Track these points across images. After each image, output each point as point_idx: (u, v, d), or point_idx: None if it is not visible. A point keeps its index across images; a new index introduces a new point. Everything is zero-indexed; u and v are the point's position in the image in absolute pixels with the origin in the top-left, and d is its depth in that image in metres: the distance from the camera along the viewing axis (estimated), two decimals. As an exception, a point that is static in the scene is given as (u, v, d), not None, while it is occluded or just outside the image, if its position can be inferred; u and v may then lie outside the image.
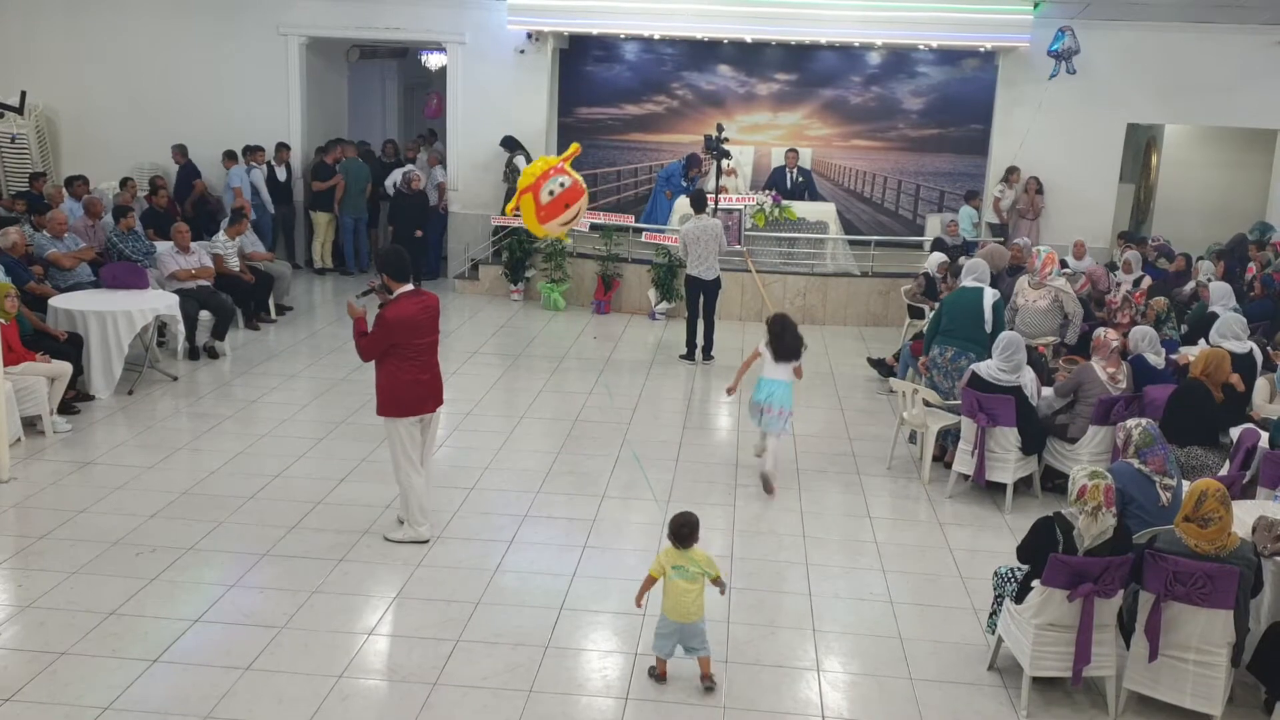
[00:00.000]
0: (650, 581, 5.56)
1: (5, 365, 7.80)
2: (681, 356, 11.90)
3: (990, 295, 8.75)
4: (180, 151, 14.81)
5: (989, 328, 8.64)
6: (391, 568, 6.66)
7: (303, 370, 10.84)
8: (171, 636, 5.71)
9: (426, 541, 6.98)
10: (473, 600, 6.27)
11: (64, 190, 12.85)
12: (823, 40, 14.93)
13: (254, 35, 15.12)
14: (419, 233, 14.56)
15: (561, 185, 7.37)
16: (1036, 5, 13.78)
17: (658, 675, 5.53)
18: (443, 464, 8.39)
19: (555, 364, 11.52)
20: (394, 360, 6.66)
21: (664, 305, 13.84)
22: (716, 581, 5.47)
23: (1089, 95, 14.17)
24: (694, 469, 8.54)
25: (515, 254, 14.30)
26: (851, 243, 14.56)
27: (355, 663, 5.56)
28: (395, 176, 15.06)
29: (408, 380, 6.71)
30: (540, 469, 8.41)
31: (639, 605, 5.64)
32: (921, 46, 15.06)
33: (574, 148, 7.61)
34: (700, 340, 11.82)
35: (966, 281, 9.02)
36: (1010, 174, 14.49)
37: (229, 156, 14.70)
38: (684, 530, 5.44)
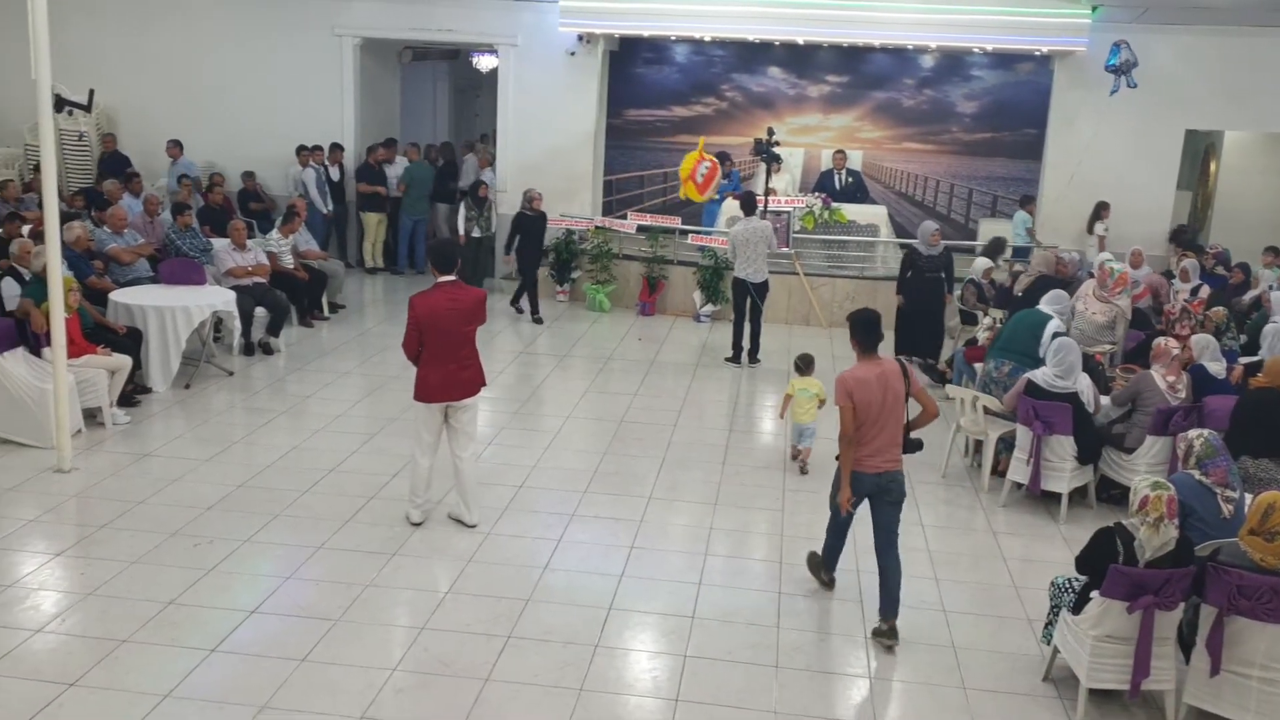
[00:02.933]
0: (788, 398, 8.74)
1: (67, 358, 7.93)
2: (727, 359, 11.88)
3: (1054, 326, 8.58)
4: (176, 146, 15.00)
5: (1042, 352, 8.51)
6: (443, 563, 6.70)
7: (355, 367, 10.94)
8: (229, 627, 5.78)
9: (418, 525, 7.17)
10: (523, 597, 6.30)
11: (123, 187, 13.06)
12: (876, 43, 14.84)
13: (309, 37, 15.27)
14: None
15: (706, 168, 12.69)
16: (1095, 9, 13.61)
17: (801, 461, 8.61)
18: (490, 461, 8.45)
19: (600, 365, 11.54)
20: (426, 348, 6.89)
21: (709, 308, 13.82)
22: (822, 401, 8.52)
23: (1146, 100, 13.97)
24: (741, 473, 8.52)
25: (561, 255, 14.34)
26: (902, 246, 14.45)
27: (408, 657, 5.61)
28: (470, 179, 15.35)
29: (433, 368, 6.92)
30: (586, 469, 8.43)
31: (781, 418, 9.12)
32: (976, 50, 14.92)
33: (701, 141, 12.63)
34: (746, 343, 11.79)
35: (1043, 305, 8.89)
36: (1103, 210, 14.13)
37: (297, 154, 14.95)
38: (805, 364, 8.79)
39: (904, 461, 6.16)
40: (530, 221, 13.23)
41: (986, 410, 8.39)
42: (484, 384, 7.24)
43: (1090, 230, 14.19)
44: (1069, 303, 9.23)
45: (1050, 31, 13.93)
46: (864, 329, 6.12)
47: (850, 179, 15.01)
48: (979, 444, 8.69)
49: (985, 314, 10.95)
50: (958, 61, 15.56)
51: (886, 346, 10.11)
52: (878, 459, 6.02)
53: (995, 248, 12.68)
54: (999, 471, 8.38)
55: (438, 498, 7.46)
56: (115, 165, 14.59)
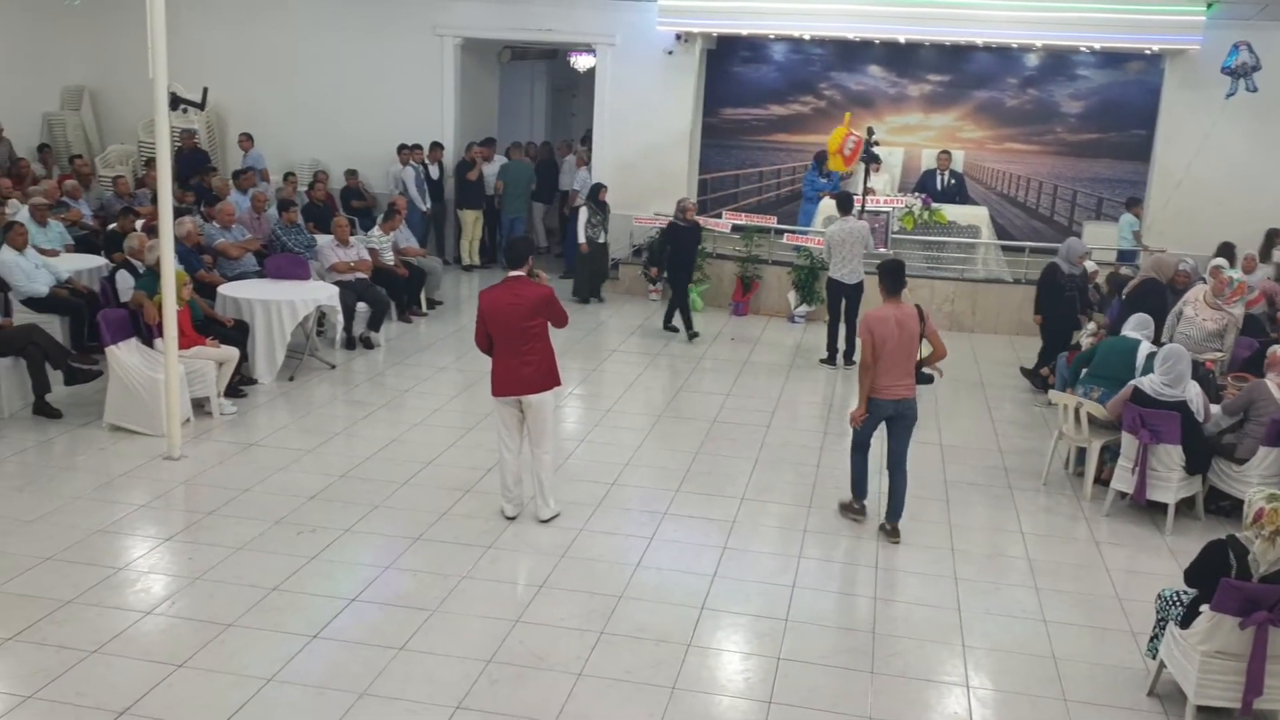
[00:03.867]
0: None
1: (178, 349, 8.17)
2: (822, 361, 11.77)
3: (1146, 349, 8.32)
4: (247, 138, 15.35)
5: (1139, 375, 8.25)
6: (537, 557, 6.77)
7: (451, 362, 11.10)
8: (330, 614, 5.91)
9: (511, 519, 7.25)
10: (615, 594, 6.33)
11: (230, 183, 13.44)
12: (980, 41, 14.59)
13: (411, 37, 15.54)
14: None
15: (853, 141, 12.82)
16: (1210, 5, 13.18)
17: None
18: (583, 458, 8.50)
19: (693, 364, 11.53)
20: (494, 342, 7.04)
21: (804, 308, 13.72)
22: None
23: (1262, 99, 13.47)
24: (835, 475, 8.42)
25: (655, 254, 14.34)
26: (1004, 248, 14.19)
27: (503, 649, 5.67)
28: (577, 181, 15.61)
29: (498, 362, 7.04)
30: (678, 468, 8.43)
31: None
32: (1084, 48, 14.57)
33: (848, 116, 12.79)
34: (842, 345, 11.68)
35: (1128, 330, 8.60)
36: (1276, 237, 13.17)
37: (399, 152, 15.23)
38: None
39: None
40: (683, 232, 12.56)
41: (1090, 417, 8.19)
42: (553, 383, 7.13)
43: (1266, 258, 13.30)
44: (1151, 324, 8.81)
45: (1162, 29, 13.55)
46: (889, 275, 7.33)
47: (952, 180, 14.77)
48: (1081, 451, 8.48)
49: (1089, 319, 10.67)
50: (1064, 60, 15.20)
51: (1027, 359, 10.92)
52: (894, 388, 7.14)
53: (1225, 251, 12.06)
54: (1102, 480, 8.17)
55: (531, 493, 7.52)
56: (196, 162, 15.04)
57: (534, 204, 16.43)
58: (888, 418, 7.25)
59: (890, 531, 7.29)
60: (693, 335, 12.53)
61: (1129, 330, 8.58)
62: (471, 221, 15.71)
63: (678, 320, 12.68)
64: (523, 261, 7.07)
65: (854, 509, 7.60)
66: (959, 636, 6.05)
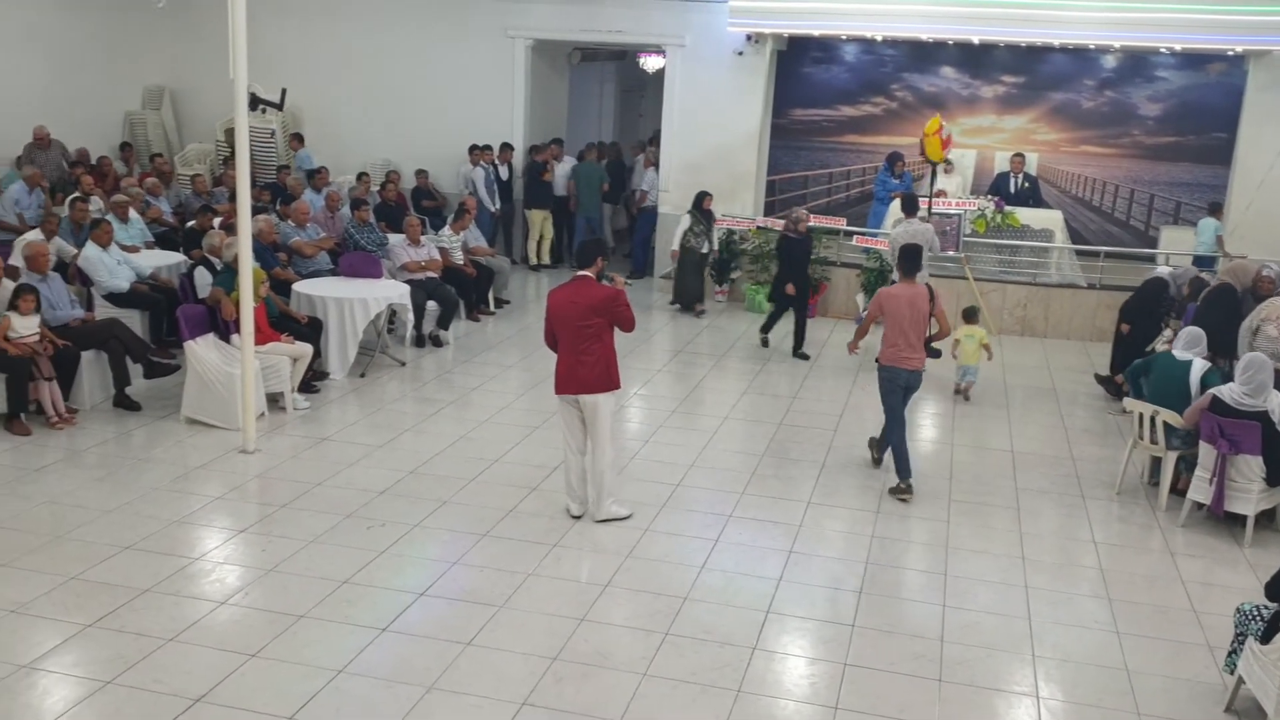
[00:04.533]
0: (956, 342, 10.41)
1: (254, 345, 8.34)
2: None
3: (1199, 368, 8.07)
4: (297, 139, 15.65)
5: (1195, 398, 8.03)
6: (602, 557, 6.79)
7: (517, 361, 11.18)
8: (399, 607, 5.99)
9: (577, 518, 7.27)
10: (680, 595, 6.33)
11: (304, 182, 13.67)
12: (1056, 43, 14.36)
13: (483, 38, 15.67)
14: (790, 289, 11.86)
15: (949, 133, 12.85)
16: (1297, 4, 12.86)
17: (964, 393, 10.50)
18: (647, 459, 8.52)
19: (759, 366, 11.49)
20: (558, 341, 7.13)
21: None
22: (985, 346, 10.34)
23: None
24: (905, 480, 8.37)
25: (722, 255, 14.33)
26: (1078, 253, 13.96)
27: (568, 647, 5.70)
28: (645, 182, 15.70)
29: (560, 360, 7.12)
30: (744, 470, 8.41)
31: (954, 357, 10.47)
32: (1163, 49, 14.28)
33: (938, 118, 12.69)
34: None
35: (1177, 350, 8.34)
36: None
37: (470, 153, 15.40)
38: (971, 314, 10.73)
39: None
40: (795, 245, 11.98)
41: (1167, 426, 8.01)
42: (609, 386, 7.10)
43: None
44: (1204, 341, 8.50)
45: (1246, 29, 13.22)
46: (907, 259, 8.21)
47: (1026, 183, 14.56)
48: (1157, 461, 8.31)
49: (1167, 325, 10.45)
50: (1142, 61, 14.92)
51: (1100, 366, 11.07)
52: (909, 360, 8.00)
53: None
54: (1178, 490, 7.99)
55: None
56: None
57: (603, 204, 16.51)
58: (904, 388, 8.09)
59: (904, 489, 7.97)
60: (801, 355, 11.81)
61: (1179, 350, 8.26)
62: (540, 221, 15.81)
63: (776, 337, 12.16)
64: (591, 262, 7.11)
65: (901, 490, 8.01)
66: (1029, 646, 5.96)
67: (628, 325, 7.14)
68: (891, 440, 8.18)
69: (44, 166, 13.51)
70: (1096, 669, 5.78)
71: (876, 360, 8.57)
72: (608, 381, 7.09)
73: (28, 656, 5.35)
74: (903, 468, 8.03)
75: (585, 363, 7.01)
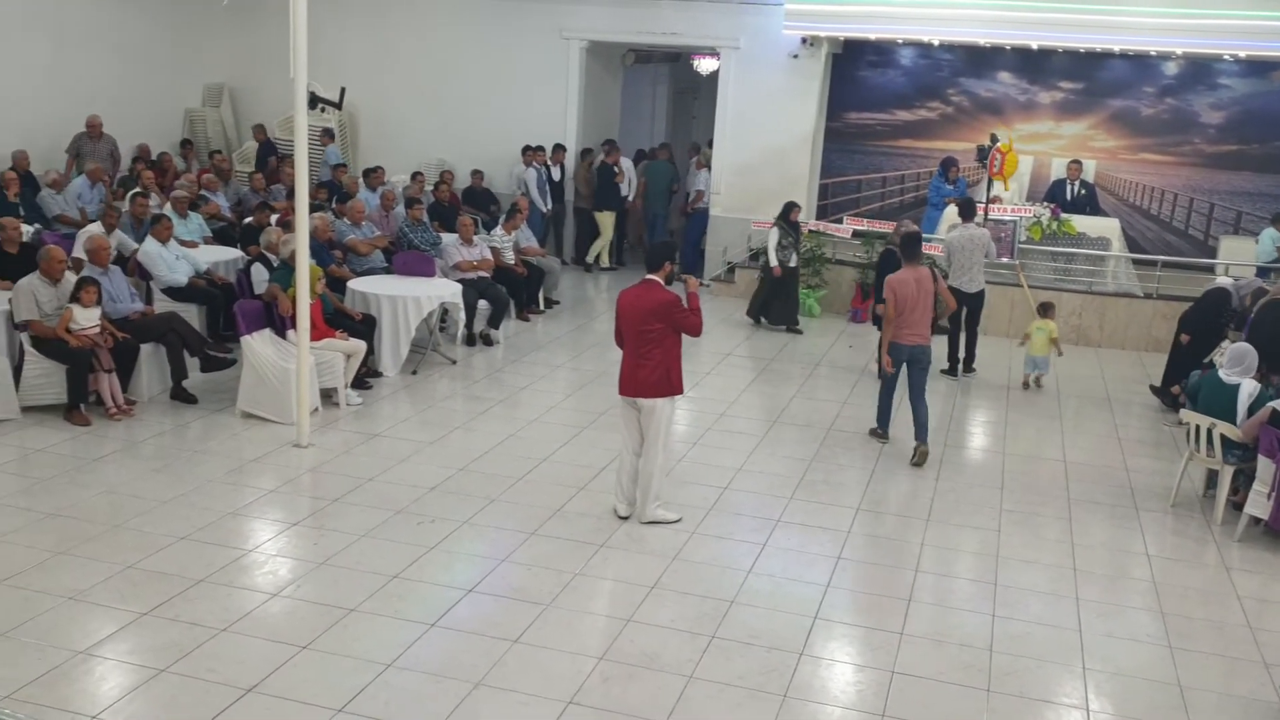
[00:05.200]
0: (1026, 335, 11.12)
1: (310, 340, 8.44)
2: (942, 371, 11.54)
3: (1248, 390, 7.88)
4: (328, 134, 15.73)
5: (1240, 420, 7.84)
6: (648, 558, 6.80)
7: (566, 361, 11.23)
8: (448, 603, 6.04)
9: (624, 519, 7.30)
10: (727, 598, 6.33)
11: (360, 181, 13.82)
12: (1116, 49, 14.16)
13: (538, 39, 15.74)
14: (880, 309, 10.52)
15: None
16: (1365, 11, 12.59)
17: (1035, 384, 11.10)
18: (695, 461, 8.52)
19: (809, 371, 11.44)
20: (624, 342, 7.19)
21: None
22: (1055, 341, 11.00)
23: None
24: (955, 489, 8.30)
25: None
26: (1135, 262, 13.76)
27: (614, 648, 5.72)
28: (699, 183, 15.77)
29: (623, 362, 7.19)
30: (792, 475, 8.38)
31: (1021, 346, 11.28)
32: (1227, 56, 14.04)
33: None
34: (961, 354, 11.46)
35: (1224, 372, 8.13)
36: None
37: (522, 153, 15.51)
38: (1045, 309, 11.19)
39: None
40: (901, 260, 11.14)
41: (1224, 438, 7.87)
42: (668, 391, 7.09)
43: None
44: (1254, 359, 8.28)
45: (1313, 36, 12.96)
46: (909, 244, 9.06)
47: (1083, 190, 14.39)
48: (1213, 473, 8.17)
49: (1228, 336, 10.27)
50: (1204, 69, 14.67)
51: (1156, 376, 11.11)
52: (912, 335, 8.80)
53: None
54: (1235, 504, 7.86)
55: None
56: (266, 153, 15.62)
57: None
58: (908, 360, 8.86)
59: (920, 451, 8.73)
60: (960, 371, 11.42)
61: (1225, 372, 8.06)
62: (609, 223, 15.89)
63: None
64: (659, 266, 7.11)
65: (878, 434, 9.27)
66: (1079, 658, 5.90)
67: (692, 330, 7.12)
68: (880, 396, 9.27)
69: (93, 156, 13.73)
70: (1148, 683, 5.70)
71: (942, 371, 8.89)
72: (667, 386, 7.09)
73: (85, 643, 5.46)
74: (881, 419, 9.25)
75: (645, 366, 7.02)
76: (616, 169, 15.56)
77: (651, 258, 7.25)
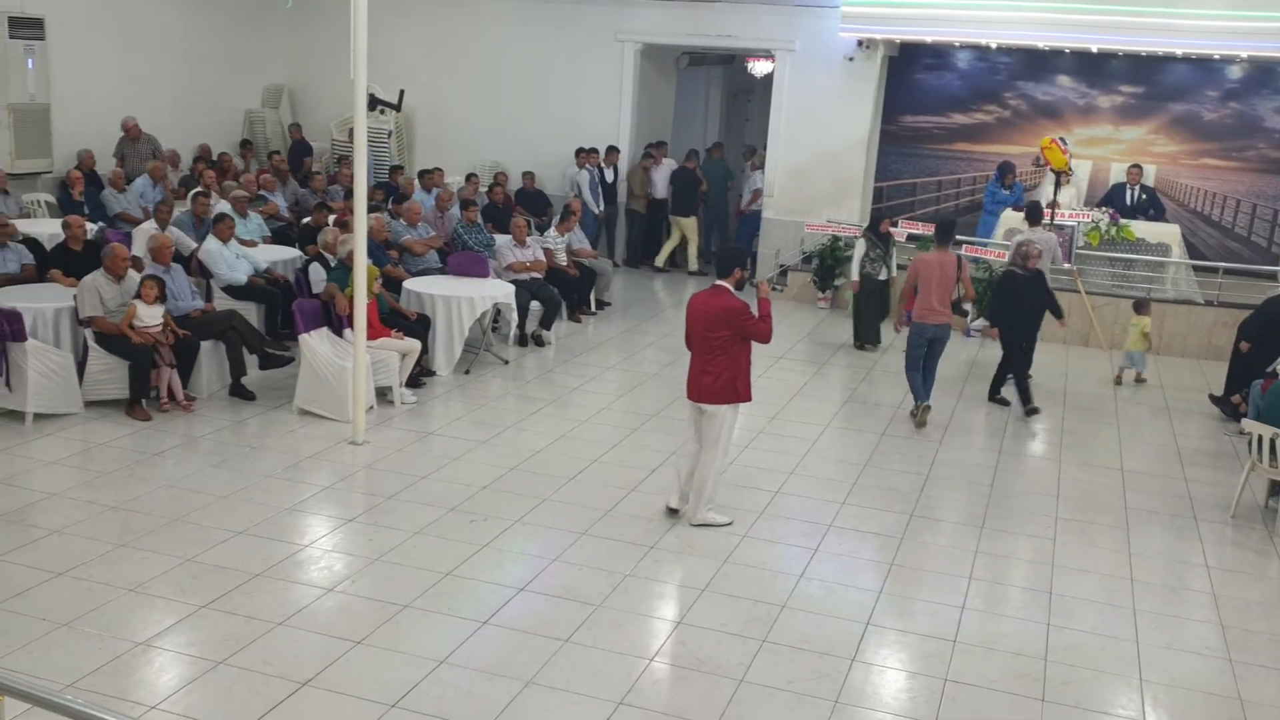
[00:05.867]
0: (1124, 330, 11.78)
1: (366, 339, 8.53)
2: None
3: None
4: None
5: None
6: (699, 561, 6.80)
7: (618, 363, 11.25)
8: (499, 601, 6.08)
9: (673, 511, 7.38)
10: (778, 603, 6.31)
11: (416, 182, 13.94)
12: (1178, 52, 13.93)
13: (593, 42, 15.79)
14: (994, 332, 10.54)
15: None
16: None
17: (1133, 379, 11.57)
18: (747, 465, 8.50)
19: (861, 375, 11.38)
20: (692, 346, 7.22)
21: (980, 322, 13.33)
22: (1146, 335, 11.41)
23: None
24: (1010, 496, 8.21)
25: (825, 261, 14.22)
26: (1196, 268, 13.53)
27: (665, 649, 5.73)
28: (754, 183, 15.85)
29: (690, 366, 7.21)
30: (845, 480, 8.34)
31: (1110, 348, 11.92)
32: (1293, 60, 13.77)
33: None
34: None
35: None
36: None
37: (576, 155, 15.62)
38: (1140, 306, 11.63)
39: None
40: (1024, 284, 10.18)
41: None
42: (731, 398, 7.08)
43: None
44: None
45: (1382, 40, 12.66)
46: (942, 230, 9.88)
47: (1143, 195, 14.17)
48: (1276, 484, 8.02)
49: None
50: (1270, 72, 14.39)
51: (1216, 385, 11.01)
52: (934, 314, 9.54)
53: None
54: (1299, 516, 7.71)
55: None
56: (301, 151, 15.87)
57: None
58: (930, 339, 9.57)
59: (923, 409, 9.66)
60: (1031, 410, 10.22)
61: None
62: (692, 227, 15.96)
63: (1010, 391, 10.49)
64: (728, 272, 7.11)
65: (916, 409, 9.75)
66: (1136, 670, 5.81)
67: (761, 338, 7.08)
68: (908, 374, 9.83)
69: (134, 157, 13.89)
70: (1206, 696, 5.61)
71: (906, 322, 9.78)
72: (732, 394, 7.08)
73: (145, 634, 5.56)
74: (916, 394, 9.78)
75: (710, 372, 7.02)
76: (695, 173, 15.67)
77: (722, 263, 7.28)
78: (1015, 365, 10.40)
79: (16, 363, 8.29)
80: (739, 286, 7.11)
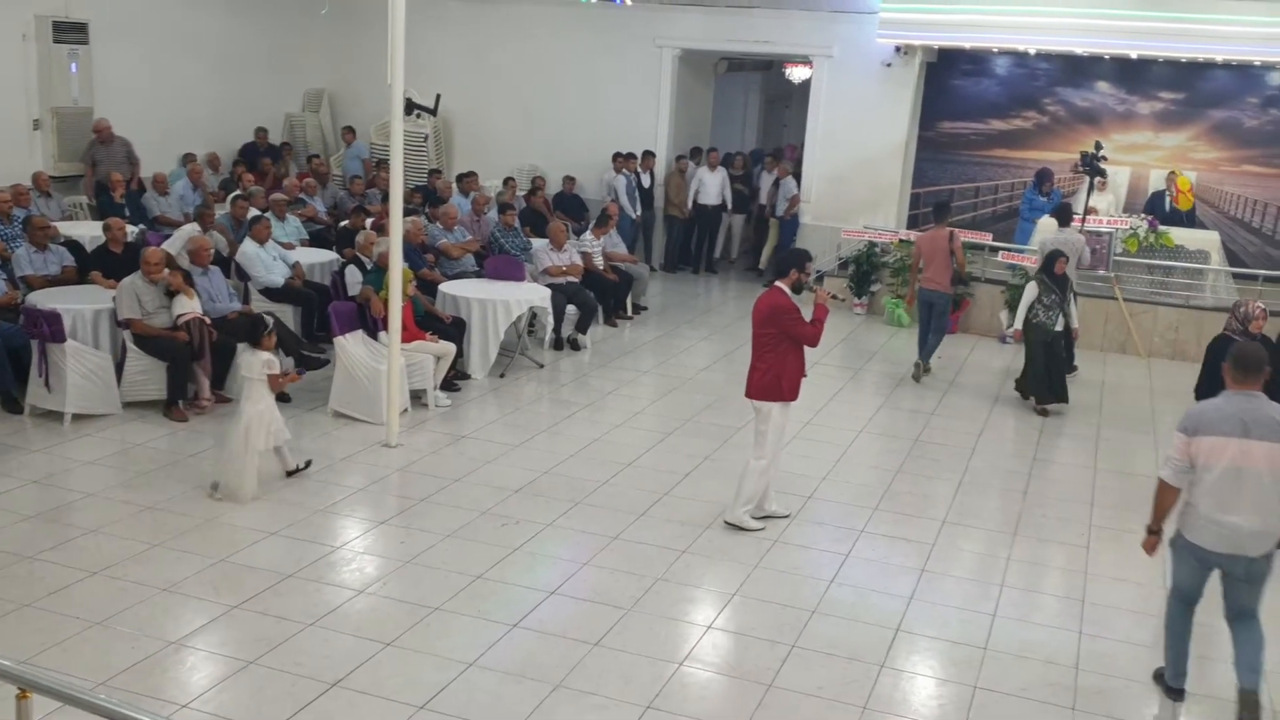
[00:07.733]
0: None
1: (401, 342, 8.59)
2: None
3: None
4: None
5: None
6: (730, 565, 6.79)
7: (653, 367, 11.26)
8: (530, 604, 6.11)
9: (782, 517, 7.52)
10: (808, 608, 6.29)
11: (453, 186, 14.03)
12: (1219, 58, 13.77)
13: (632, 48, 15.82)
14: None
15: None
16: None
17: None
18: (780, 469, 8.44)
19: (896, 381, 11.31)
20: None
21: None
22: None
23: None
24: (1043, 504, 8.14)
25: (862, 267, 14.17)
26: (1235, 276, 13.35)
27: (695, 653, 5.72)
28: (790, 189, 15.77)
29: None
30: (877, 486, 8.30)
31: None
32: (1337, 66, 13.57)
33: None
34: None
35: None
36: None
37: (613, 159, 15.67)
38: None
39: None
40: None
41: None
42: (774, 396, 7.13)
43: None
44: None
45: None
46: (938, 208, 11.49)
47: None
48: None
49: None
50: (1314, 78, 14.19)
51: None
52: (930, 284, 11.06)
53: None
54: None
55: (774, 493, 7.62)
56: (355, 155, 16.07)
57: (734, 216, 16.70)
58: (927, 303, 11.10)
59: (919, 366, 11.21)
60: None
61: None
62: (773, 230, 16.06)
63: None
64: (785, 273, 7.25)
65: (916, 368, 11.31)
66: (1172, 682, 5.74)
67: (804, 339, 7.13)
68: (920, 345, 11.38)
69: (106, 162, 13.28)
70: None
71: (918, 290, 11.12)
72: (776, 391, 7.16)
73: (177, 633, 5.63)
74: (923, 355, 11.26)
75: (759, 368, 7.18)
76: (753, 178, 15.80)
77: (780, 264, 7.48)
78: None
79: (56, 364, 8.42)
80: (796, 289, 7.18)
